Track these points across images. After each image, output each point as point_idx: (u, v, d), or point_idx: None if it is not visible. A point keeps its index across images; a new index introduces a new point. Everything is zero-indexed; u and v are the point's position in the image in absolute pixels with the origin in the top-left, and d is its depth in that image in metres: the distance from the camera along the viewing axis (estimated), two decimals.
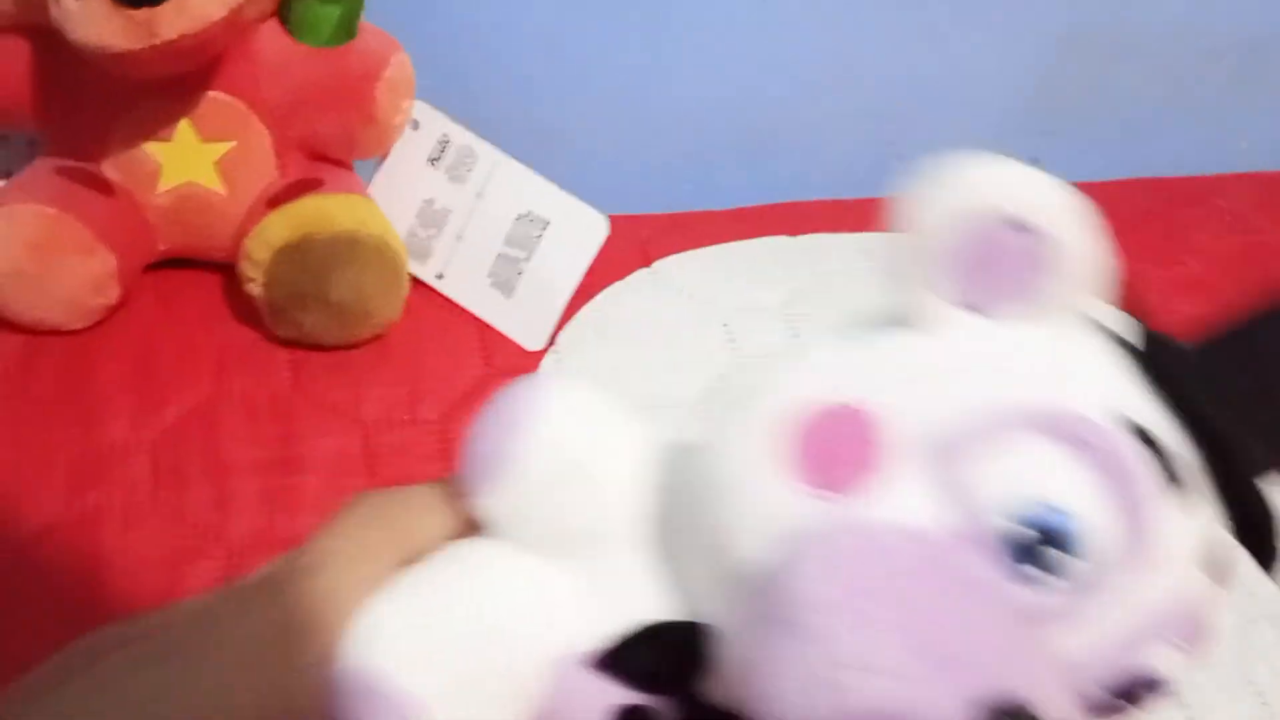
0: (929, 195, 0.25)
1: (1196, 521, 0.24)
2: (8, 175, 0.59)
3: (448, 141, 0.61)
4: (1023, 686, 0.22)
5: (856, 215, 0.72)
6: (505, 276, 0.60)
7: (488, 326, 0.60)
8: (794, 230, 0.70)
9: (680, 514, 0.27)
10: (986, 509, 0.23)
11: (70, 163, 0.57)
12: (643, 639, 0.26)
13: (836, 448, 0.24)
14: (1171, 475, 0.24)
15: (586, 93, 0.71)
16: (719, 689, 0.26)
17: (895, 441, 0.24)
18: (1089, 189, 0.80)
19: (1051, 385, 0.25)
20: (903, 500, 0.23)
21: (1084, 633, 0.23)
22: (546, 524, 0.27)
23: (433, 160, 0.61)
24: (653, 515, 0.27)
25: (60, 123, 0.57)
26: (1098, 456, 0.23)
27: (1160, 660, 0.24)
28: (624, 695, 0.26)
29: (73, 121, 0.57)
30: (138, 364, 0.56)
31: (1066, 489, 0.23)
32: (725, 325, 0.62)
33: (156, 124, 0.56)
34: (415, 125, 0.61)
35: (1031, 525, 0.23)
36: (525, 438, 0.27)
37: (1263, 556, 0.27)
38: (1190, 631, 0.25)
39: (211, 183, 0.57)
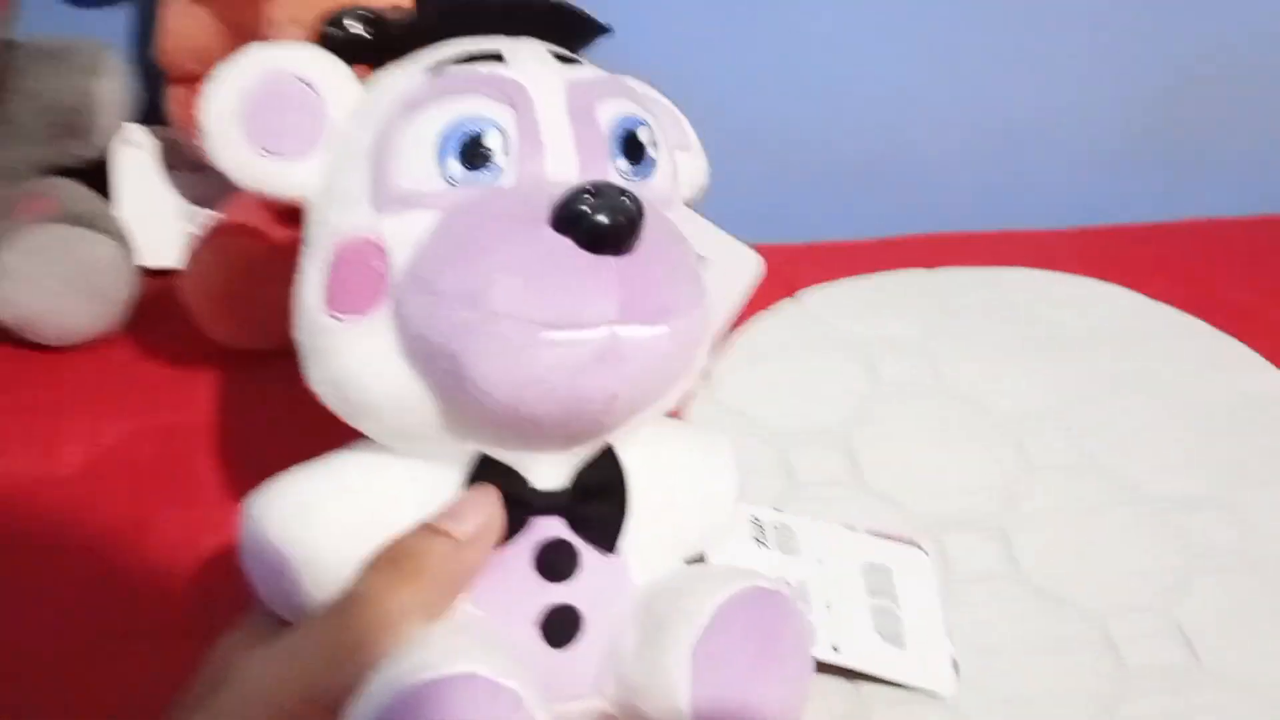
0: (225, 73, 0.31)
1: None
2: (209, 203, 0.61)
3: None
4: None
5: (984, 248, 0.73)
6: None
7: None
8: (929, 263, 0.70)
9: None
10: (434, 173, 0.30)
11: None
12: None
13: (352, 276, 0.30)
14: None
15: (725, 123, 0.67)
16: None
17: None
18: (1214, 226, 0.81)
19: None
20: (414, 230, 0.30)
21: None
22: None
23: None
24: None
25: None
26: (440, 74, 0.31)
27: (629, 115, 0.33)
28: None
29: None
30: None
31: (467, 107, 0.31)
32: (865, 356, 0.64)
33: None
34: None
35: (463, 141, 0.30)
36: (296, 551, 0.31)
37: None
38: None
39: None
